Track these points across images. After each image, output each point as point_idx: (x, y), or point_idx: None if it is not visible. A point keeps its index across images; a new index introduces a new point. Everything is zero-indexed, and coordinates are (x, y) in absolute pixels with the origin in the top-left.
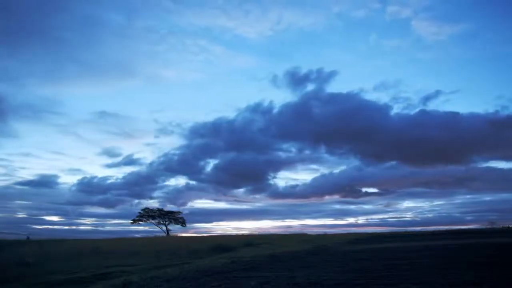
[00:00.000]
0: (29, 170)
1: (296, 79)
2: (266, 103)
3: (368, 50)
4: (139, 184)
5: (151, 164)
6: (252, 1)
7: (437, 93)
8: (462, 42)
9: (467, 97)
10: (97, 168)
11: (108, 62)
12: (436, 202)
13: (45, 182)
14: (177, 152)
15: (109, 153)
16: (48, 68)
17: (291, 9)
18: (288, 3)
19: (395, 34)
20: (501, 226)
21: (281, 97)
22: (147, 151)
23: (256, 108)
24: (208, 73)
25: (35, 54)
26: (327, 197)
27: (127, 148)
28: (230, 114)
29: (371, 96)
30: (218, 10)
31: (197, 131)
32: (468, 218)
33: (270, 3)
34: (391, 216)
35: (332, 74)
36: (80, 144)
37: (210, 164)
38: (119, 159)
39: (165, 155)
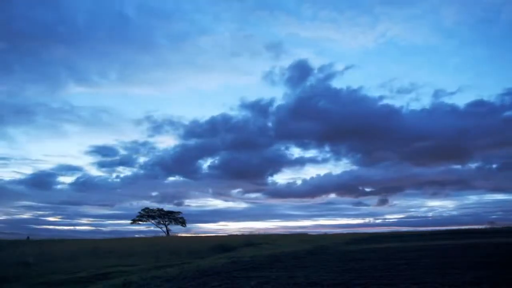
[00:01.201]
0: (29, 169)
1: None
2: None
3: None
4: (138, 184)
5: (148, 163)
6: (367, 15)
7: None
8: None
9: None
10: (97, 168)
11: (173, 68)
12: (443, 202)
13: (45, 182)
14: (175, 151)
15: (107, 152)
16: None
17: (402, 23)
18: (402, 17)
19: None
20: (501, 226)
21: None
22: (144, 150)
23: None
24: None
25: (112, 58)
26: (326, 197)
27: (125, 147)
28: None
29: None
30: (330, 23)
31: (195, 130)
32: (493, 217)
33: (383, 17)
34: (394, 216)
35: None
36: (79, 143)
37: (210, 164)
38: (116, 158)
39: (162, 154)
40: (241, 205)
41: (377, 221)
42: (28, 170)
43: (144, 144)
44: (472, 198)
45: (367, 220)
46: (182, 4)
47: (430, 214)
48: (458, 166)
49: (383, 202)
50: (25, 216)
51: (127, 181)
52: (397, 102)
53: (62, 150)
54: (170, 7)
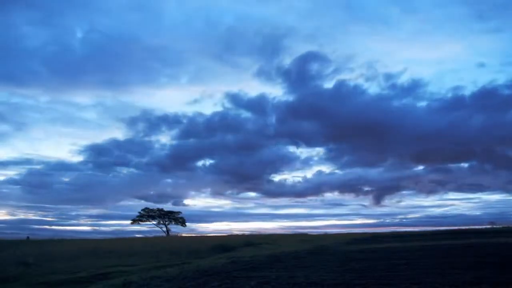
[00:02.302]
0: (29, 168)
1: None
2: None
3: None
4: (137, 184)
5: (148, 163)
6: (449, 29)
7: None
8: None
9: None
10: (95, 167)
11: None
12: (449, 201)
13: (44, 182)
14: (173, 150)
15: (106, 151)
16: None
17: (482, 35)
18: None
19: None
20: (501, 226)
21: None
22: (142, 148)
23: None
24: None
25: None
26: (327, 196)
27: (122, 146)
28: None
29: None
30: (408, 33)
31: (195, 129)
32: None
33: (464, 30)
34: (398, 217)
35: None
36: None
37: (210, 163)
38: (113, 158)
39: (160, 153)
40: (241, 205)
41: (382, 221)
42: (28, 170)
43: (141, 143)
44: (487, 198)
45: (368, 220)
46: (282, 16)
47: (447, 213)
48: (471, 164)
49: (379, 201)
50: (25, 216)
51: (125, 181)
52: (402, 101)
53: (58, 150)
54: (268, 17)
